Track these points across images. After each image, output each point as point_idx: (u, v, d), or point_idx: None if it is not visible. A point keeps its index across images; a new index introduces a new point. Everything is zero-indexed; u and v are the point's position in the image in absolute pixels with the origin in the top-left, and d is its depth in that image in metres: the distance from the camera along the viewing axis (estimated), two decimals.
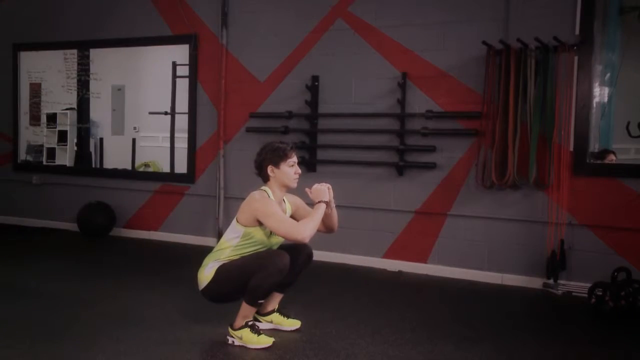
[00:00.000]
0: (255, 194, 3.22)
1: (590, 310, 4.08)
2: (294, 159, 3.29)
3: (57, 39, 6.91)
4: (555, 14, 4.68)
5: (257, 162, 3.31)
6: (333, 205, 3.33)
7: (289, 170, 3.26)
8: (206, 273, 3.24)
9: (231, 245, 3.23)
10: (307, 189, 3.30)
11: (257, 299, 3.19)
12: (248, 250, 3.22)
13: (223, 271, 3.19)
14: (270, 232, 3.21)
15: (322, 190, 3.25)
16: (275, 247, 3.32)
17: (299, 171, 3.31)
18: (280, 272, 3.10)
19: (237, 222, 3.23)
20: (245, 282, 3.12)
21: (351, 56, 5.45)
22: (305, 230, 3.07)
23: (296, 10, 5.71)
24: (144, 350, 3.10)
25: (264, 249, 3.26)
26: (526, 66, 4.66)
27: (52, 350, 3.08)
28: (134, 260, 5.53)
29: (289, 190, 3.33)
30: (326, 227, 3.40)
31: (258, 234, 3.19)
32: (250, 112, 5.80)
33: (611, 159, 4.76)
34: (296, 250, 3.30)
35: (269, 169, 3.25)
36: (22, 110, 7.26)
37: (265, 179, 3.29)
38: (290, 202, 3.41)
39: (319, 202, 3.21)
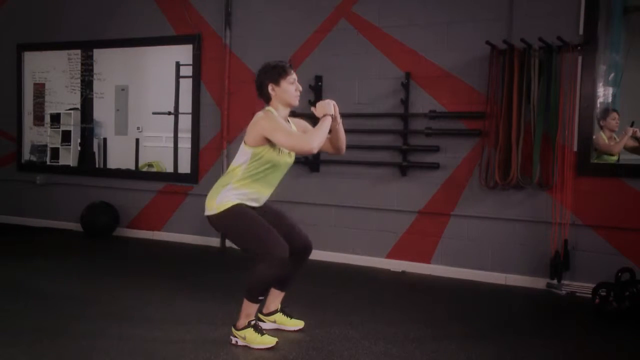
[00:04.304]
0: (260, 113, 3.18)
1: (594, 311, 4.06)
2: (293, 76, 3.23)
3: (60, 39, 6.93)
4: (559, 14, 4.67)
5: (257, 82, 3.26)
6: (339, 120, 3.25)
7: (290, 87, 3.20)
8: (218, 202, 3.16)
9: (241, 168, 3.17)
10: (312, 107, 3.24)
11: (258, 295, 3.16)
12: (258, 171, 3.16)
13: (233, 216, 3.13)
14: (280, 150, 3.16)
15: (327, 104, 3.18)
16: (284, 169, 3.27)
17: (300, 88, 3.26)
18: (278, 264, 3.04)
19: (245, 144, 3.17)
20: (242, 243, 3.20)
21: (355, 56, 5.45)
22: (312, 141, 3.02)
23: (300, 10, 5.71)
24: (147, 350, 3.11)
25: (274, 170, 3.20)
26: (530, 66, 4.65)
27: (56, 349, 3.08)
28: (137, 260, 5.54)
29: (292, 108, 3.28)
30: (334, 146, 3.35)
31: (267, 152, 3.13)
32: (253, 112, 5.78)
33: (614, 117, 4.72)
34: (295, 241, 3.26)
35: (270, 87, 3.20)
36: (26, 111, 7.28)
37: (267, 98, 3.24)
38: (296, 124, 3.35)
39: (324, 115, 3.15)
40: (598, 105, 4.69)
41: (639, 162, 4.66)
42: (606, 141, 4.71)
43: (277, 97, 3.21)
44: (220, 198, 3.16)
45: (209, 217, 3.22)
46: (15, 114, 7.27)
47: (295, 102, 3.24)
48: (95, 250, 5.93)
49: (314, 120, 3.30)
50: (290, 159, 3.27)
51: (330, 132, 3.20)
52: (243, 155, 3.18)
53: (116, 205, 6.54)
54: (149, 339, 3.27)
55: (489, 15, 4.91)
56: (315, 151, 3.07)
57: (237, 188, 3.17)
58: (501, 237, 4.91)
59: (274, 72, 3.20)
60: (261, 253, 3.07)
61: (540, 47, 4.62)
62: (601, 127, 4.72)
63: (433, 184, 5.15)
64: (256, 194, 3.23)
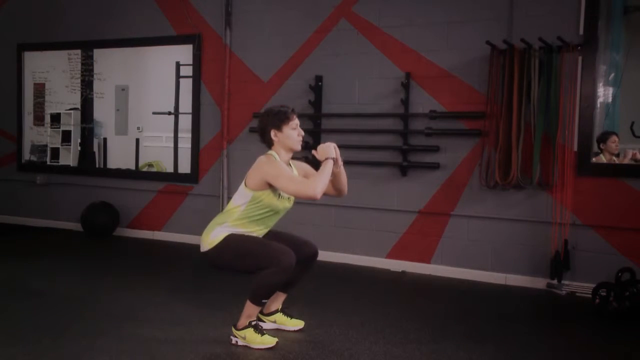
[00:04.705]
0: (263, 158, 3.20)
1: (594, 311, 4.07)
2: (296, 121, 3.26)
3: (61, 39, 6.93)
4: (559, 13, 4.67)
5: (259, 128, 3.29)
6: (340, 163, 3.27)
7: (292, 132, 3.23)
8: (212, 237, 3.19)
9: (239, 209, 3.20)
10: (313, 151, 3.26)
11: (262, 298, 3.18)
12: (256, 213, 3.19)
13: (230, 243, 3.16)
14: (280, 195, 3.19)
15: (328, 148, 3.20)
16: (282, 213, 3.31)
17: (302, 133, 3.28)
18: (285, 271, 3.06)
19: (246, 186, 3.19)
20: (247, 266, 3.14)
21: (355, 56, 5.45)
22: (316, 186, 3.03)
23: (300, 10, 5.71)
24: (147, 350, 3.11)
25: (272, 213, 3.24)
26: (530, 66, 4.65)
27: (56, 349, 3.08)
28: (137, 260, 5.54)
29: (294, 153, 3.31)
30: (336, 189, 3.36)
31: (267, 197, 3.17)
32: (253, 112, 5.80)
33: (614, 140, 4.72)
34: (301, 249, 3.28)
35: (272, 133, 3.23)
36: (26, 111, 7.28)
37: (270, 144, 3.27)
38: (298, 168, 3.38)
39: (326, 159, 3.17)
40: (598, 105, 4.69)
41: (638, 163, 4.66)
42: None
43: (280, 142, 3.24)
44: (215, 233, 3.20)
45: (205, 254, 3.24)
46: (15, 114, 7.27)
47: (298, 147, 3.27)
48: (95, 250, 5.92)
49: (315, 164, 3.30)
50: (289, 204, 3.30)
51: (331, 175, 3.20)
52: (242, 196, 3.21)
53: (116, 205, 6.53)
54: (149, 339, 3.27)
55: (489, 15, 4.91)
56: (319, 197, 3.06)
57: (233, 227, 3.21)
58: (501, 237, 4.91)
59: (276, 119, 3.23)
60: (268, 265, 3.07)
61: (541, 47, 4.62)
62: (601, 150, 4.72)
63: (433, 184, 5.15)
64: (251, 233, 3.26)
